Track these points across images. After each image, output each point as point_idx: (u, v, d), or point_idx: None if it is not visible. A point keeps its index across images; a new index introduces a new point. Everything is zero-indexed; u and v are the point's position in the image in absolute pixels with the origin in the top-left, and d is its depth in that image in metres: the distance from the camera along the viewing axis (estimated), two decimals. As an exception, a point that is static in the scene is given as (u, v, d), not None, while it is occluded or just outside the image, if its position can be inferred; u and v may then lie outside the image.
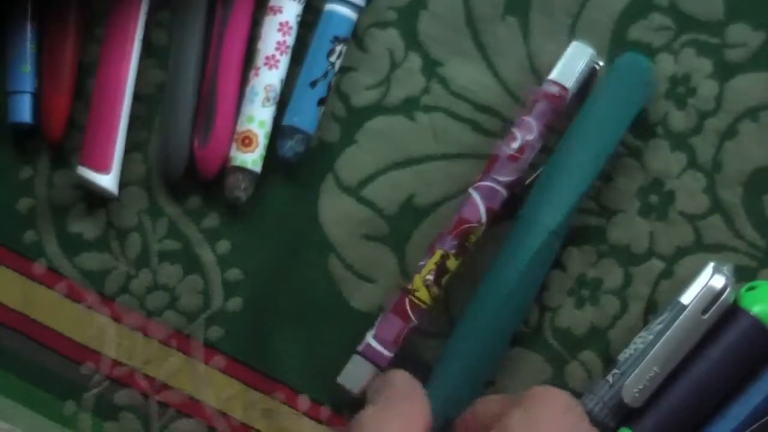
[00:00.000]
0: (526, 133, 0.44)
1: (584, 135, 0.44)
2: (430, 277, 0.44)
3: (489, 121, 0.46)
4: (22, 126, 0.46)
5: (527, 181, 0.45)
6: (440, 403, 0.41)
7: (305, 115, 0.46)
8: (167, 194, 0.47)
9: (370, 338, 0.44)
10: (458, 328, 0.44)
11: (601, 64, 0.45)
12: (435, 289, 0.44)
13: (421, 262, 0.44)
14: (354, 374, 0.44)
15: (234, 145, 0.46)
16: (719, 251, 0.46)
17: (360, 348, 0.44)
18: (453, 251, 0.44)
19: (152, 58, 0.47)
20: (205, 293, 0.47)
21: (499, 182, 0.44)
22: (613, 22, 0.46)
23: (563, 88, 0.45)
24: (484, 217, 0.44)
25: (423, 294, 0.44)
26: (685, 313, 0.42)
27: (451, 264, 0.44)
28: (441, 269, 0.44)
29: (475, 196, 0.44)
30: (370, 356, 0.44)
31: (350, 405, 0.46)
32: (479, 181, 0.44)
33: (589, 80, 0.45)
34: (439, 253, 0.44)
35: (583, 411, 0.37)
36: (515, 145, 0.44)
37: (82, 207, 0.47)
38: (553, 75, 0.45)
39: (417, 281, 0.44)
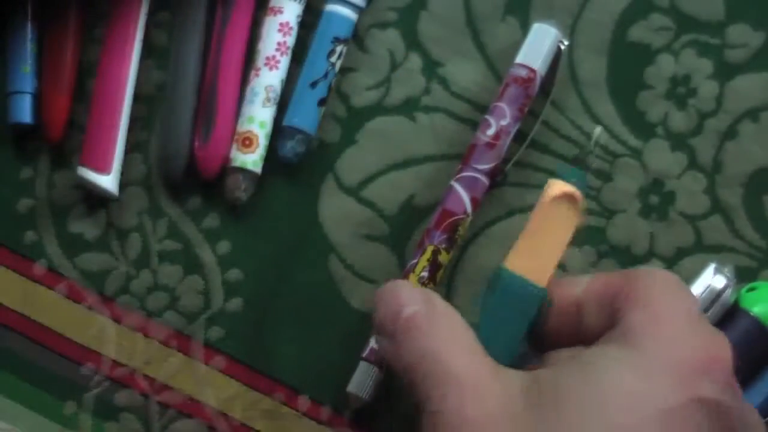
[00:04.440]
0: (500, 119, 0.44)
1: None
2: (425, 274, 0.44)
3: (489, 121, 0.46)
4: (22, 126, 0.46)
5: (507, 167, 0.45)
6: None
7: (305, 116, 0.46)
8: (167, 195, 0.47)
9: (373, 342, 0.44)
10: None
11: (566, 43, 0.45)
12: (431, 286, 0.44)
13: (413, 261, 0.44)
14: (363, 381, 0.44)
15: (234, 146, 0.46)
16: (719, 252, 0.46)
17: (365, 354, 0.44)
18: (443, 245, 0.44)
19: (152, 58, 0.47)
20: (206, 293, 0.47)
21: (479, 171, 0.44)
22: (613, 23, 0.46)
23: (531, 70, 0.45)
24: (469, 208, 0.44)
25: (420, 292, 0.44)
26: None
27: (444, 258, 0.44)
28: (434, 265, 0.44)
29: (458, 188, 0.44)
30: (375, 360, 0.44)
31: (360, 409, 0.45)
32: (460, 172, 0.44)
33: (555, 60, 0.45)
34: (430, 249, 0.44)
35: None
36: (491, 132, 0.44)
37: (82, 207, 0.47)
38: (520, 58, 0.45)
39: (412, 280, 0.44)
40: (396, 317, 0.37)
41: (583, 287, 0.37)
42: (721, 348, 0.35)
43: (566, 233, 0.39)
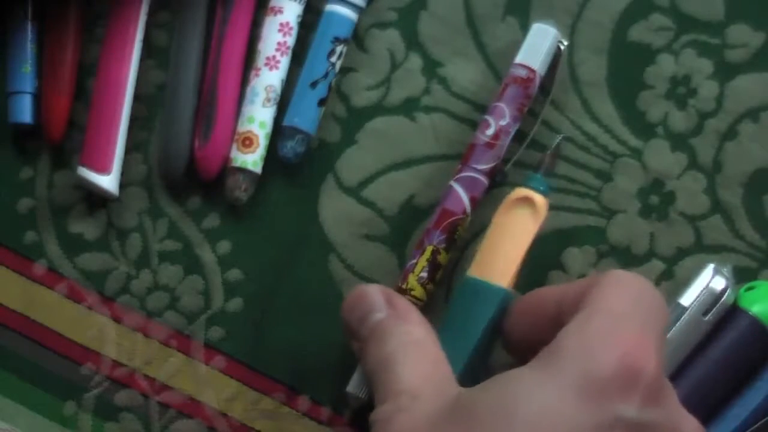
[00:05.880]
0: (499, 119, 0.44)
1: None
2: (424, 275, 0.44)
3: (489, 121, 0.46)
4: (22, 126, 0.46)
5: (506, 167, 0.45)
6: None
7: (306, 116, 0.46)
8: (168, 195, 0.47)
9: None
10: None
11: (566, 43, 0.45)
12: (430, 286, 0.44)
13: (412, 261, 0.44)
14: (363, 381, 0.44)
15: (234, 146, 0.46)
16: (719, 252, 0.46)
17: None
18: (443, 246, 0.44)
19: (152, 58, 0.47)
20: (206, 293, 0.47)
21: (478, 171, 0.44)
22: (613, 23, 0.46)
23: (531, 70, 0.45)
24: (468, 208, 0.44)
25: (419, 292, 0.44)
26: (686, 315, 0.42)
27: (443, 258, 0.44)
28: (433, 265, 0.44)
29: (458, 188, 0.44)
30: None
31: (359, 409, 0.46)
32: (459, 172, 0.44)
33: (555, 60, 0.45)
34: (429, 249, 0.44)
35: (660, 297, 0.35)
36: (490, 132, 0.44)
37: (82, 207, 0.47)
38: (519, 58, 0.45)
39: (411, 280, 0.44)
40: (362, 325, 0.39)
41: (559, 292, 0.38)
42: (642, 354, 0.32)
43: (527, 235, 0.42)
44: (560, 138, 0.46)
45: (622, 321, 0.34)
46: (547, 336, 0.36)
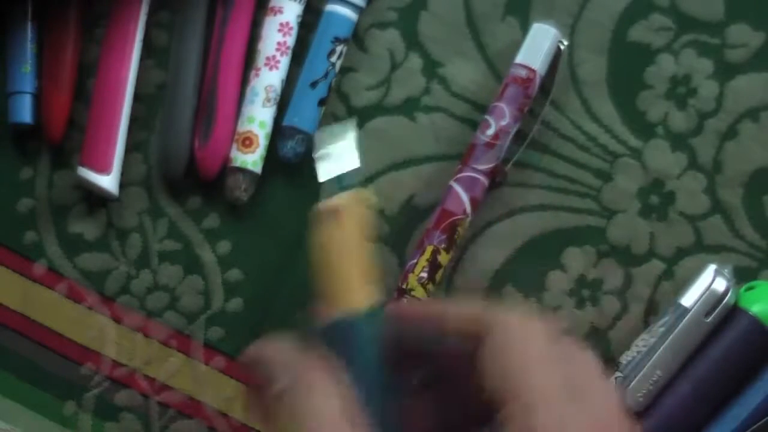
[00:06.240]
0: (499, 119, 0.44)
1: None
2: (424, 275, 0.44)
3: (489, 121, 0.46)
4: (22, 126, 0.46)
5: (507, 167, 0.45)
6: None
7: (306, 116, 0.46)
8: (167, 194, 0.47)
9: None
10: None
11: (566, 43, 0.45)
12: (430, 286, 0.44)
13: (412, 261, 0.44)
14: None
15: (234, 146, 0.46)
16: (719, 252, 0.46)
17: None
18: (443, 246, 0.44)
19: (152, 58, 0.47)
20: (206, 294, 0.47)
21: (478, 171, 0.44)
22: (614, 23, 0.46)
23: (531, 70, 0.45)
24: (468, 208, 0.44)
25: (419, 292, 0.44)
26: (688, 316, 0.42)
27: (443, 259, 0.44)
28: (433, 265, 0.44)
29: (457, 188, 0.44)
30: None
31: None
32: (459, 172, 0.44)
33: (555, 60, 0.45)
34: (429, 249, 0.44)
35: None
36: (490, 132, 0.44)
37: (82, 207, 0.47)
38: (520, 58, 0.45)
39: (411, 280, 0.44)
40: (263, 393, 0.32)
41: (442, 310, 0.32)
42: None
43: (353, 245, 0.34)
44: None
45: (559, 409, 0.28)
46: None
